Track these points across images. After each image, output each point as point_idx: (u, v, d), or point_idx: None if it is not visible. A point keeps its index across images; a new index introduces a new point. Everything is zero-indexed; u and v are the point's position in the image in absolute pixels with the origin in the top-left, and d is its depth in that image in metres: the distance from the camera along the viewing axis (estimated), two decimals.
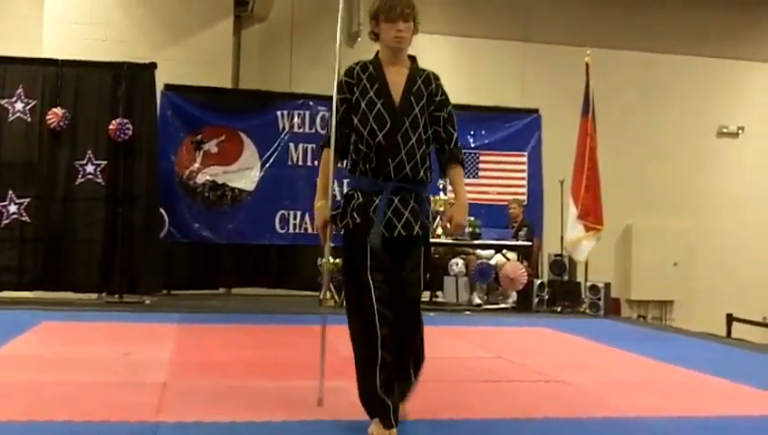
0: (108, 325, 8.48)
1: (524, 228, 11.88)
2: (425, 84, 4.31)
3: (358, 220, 4.17)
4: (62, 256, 10.76)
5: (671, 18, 16.31)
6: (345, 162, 4.38)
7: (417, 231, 4.19)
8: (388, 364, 4.04)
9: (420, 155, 4.22)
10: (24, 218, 10.66)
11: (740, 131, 16.82)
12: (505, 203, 12.33)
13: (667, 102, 16.29)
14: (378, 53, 4.38)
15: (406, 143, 4.18)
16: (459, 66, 14.40)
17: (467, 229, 11.55)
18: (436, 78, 4.37)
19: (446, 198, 10.88)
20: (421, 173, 4.22)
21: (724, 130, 16.79)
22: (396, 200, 4.18)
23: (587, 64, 11.83)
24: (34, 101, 10.79)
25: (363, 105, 4.22)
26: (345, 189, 4.36)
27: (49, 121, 10.71)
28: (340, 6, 4.86)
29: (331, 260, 10.92)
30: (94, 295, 11.00)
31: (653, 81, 16.26)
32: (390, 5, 4.22)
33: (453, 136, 4.35)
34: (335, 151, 4.37)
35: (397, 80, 4.28)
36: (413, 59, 4.40)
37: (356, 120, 4.24)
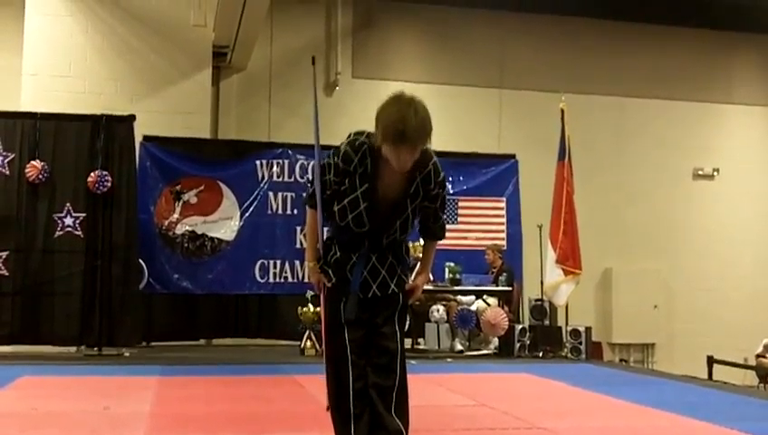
0: (87, 379, 8.42)
1: (504, 273, 11.87)
2: (424, 184, 4.02)
3: (333, 279, 4.06)
4: (40, 309, 10.67)
5: (644, 63, 16.56)
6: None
7: (392, 289, 4.07)
8: (363, 417, 3.95)
9: (401, 238, 4.09)
10: (2, 272, 10.58)
11: (715, 173, 17.00)
12: (485, 248, 12.34)
13: (642, 146, 16.46)
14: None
15: (388, 235, 4.03)
16: (437, 113, 14.19)
17: (448, 275, 11.57)
18: (437, 174, 4.04)
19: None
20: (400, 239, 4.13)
21: (700, 173, 16.97)
22: (374, 258, 4.05)
23: (562, 110, 11.93)
24: (13, 154, 10.76)
25: (346, 201, 3.98)
26: (325, 234, 4.16)
27: (28, 174, 10.68)
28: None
29: (311, 309, 10.91)
30: (73, 349, 10.91)
31: (628, 125, 16.45)
32: (401, 135, 3.77)
33: (440, 220, 4.22)
34: (313, 206, 4.13)
35: (392, 181, 3.98)
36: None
37: (335, 210, 4.02)
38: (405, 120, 3.77)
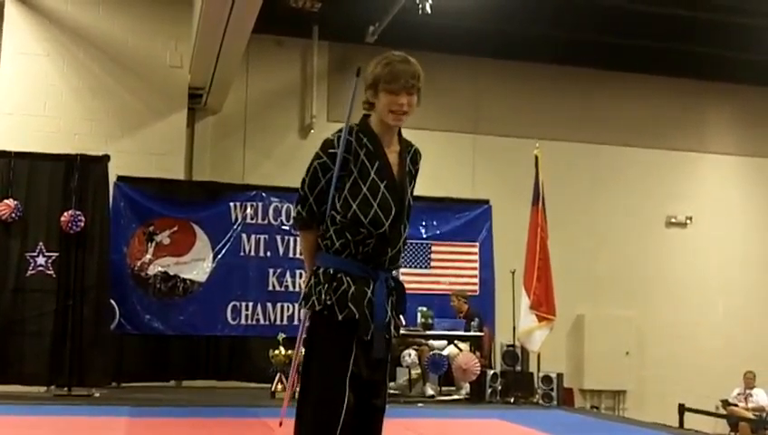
0: (56, 419, 8.33)
1: (476, 319, 11.88)
2: (412, 163, 3.87)
3: (357, 316, 3.57)
4: (10, 349, 10.56)
5: (618, 111, 16.73)
6: (325, 241, 3.68)
7: (392, 332, 3.77)
8: None
9: (405, 239, 3.78)
10: None
11: (688, 221, 17.12)
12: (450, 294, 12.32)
13: (616, 193, 16.58)
14: (365, 118, 3.78)
15: (402, 230, 3.72)
16: None
17: (420, 320, 11.57)
18: (420, 156, 3.94)
19: None
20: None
21: (673, 220, 17.09)
22: (384, 290, 3.68)
23: (536, 156, 11.99)
24: None
25: (365, 189, 3.62)
26: (322, 267, 3.68)
27: (0, 213, 10.63)
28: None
29: (282, 351, 10.88)
30: (43, 388, 10.79)
31: (602, 172, 16.57)
32: (394, 74, 3.63)
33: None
34: (313, 226, 3.74)
35: (392, 158, 3.76)
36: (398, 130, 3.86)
37: (354, 206, 3.59)
38: (397, 59, 3.68)
